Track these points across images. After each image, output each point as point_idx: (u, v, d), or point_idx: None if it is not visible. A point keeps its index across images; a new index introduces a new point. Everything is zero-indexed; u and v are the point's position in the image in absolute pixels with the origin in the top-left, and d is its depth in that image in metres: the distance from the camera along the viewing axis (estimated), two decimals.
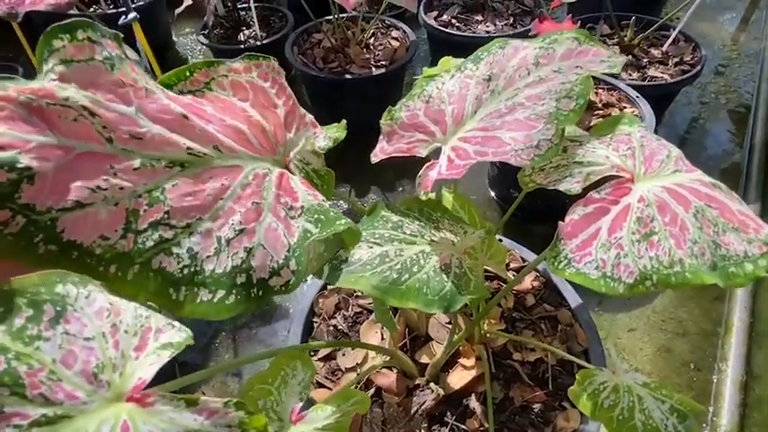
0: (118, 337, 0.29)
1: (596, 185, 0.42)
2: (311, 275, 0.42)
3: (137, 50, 1.10)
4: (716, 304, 1.07)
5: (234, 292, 0.33)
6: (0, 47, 2.11)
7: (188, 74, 0.42)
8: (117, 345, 0.29)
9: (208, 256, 0.33)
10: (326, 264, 0.45)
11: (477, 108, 0.50)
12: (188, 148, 0.35)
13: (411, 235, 0.50)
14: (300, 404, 0.40)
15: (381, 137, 0.55)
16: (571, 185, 0.43)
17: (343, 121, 0.56)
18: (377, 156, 0.53)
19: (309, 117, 0.50)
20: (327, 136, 0.49)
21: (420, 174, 0.49)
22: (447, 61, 0.59)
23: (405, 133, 0.52)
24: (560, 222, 0.39)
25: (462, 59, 0.56)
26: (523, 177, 0.48)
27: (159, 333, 0.30)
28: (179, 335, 0.31)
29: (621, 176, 0.42)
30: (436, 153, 0.52)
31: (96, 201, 0.30)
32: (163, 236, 0.32)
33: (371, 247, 0.49)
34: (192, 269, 0.33)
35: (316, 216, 0.37)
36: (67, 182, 0.30)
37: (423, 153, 0.51)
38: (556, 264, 0.38)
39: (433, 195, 0.61)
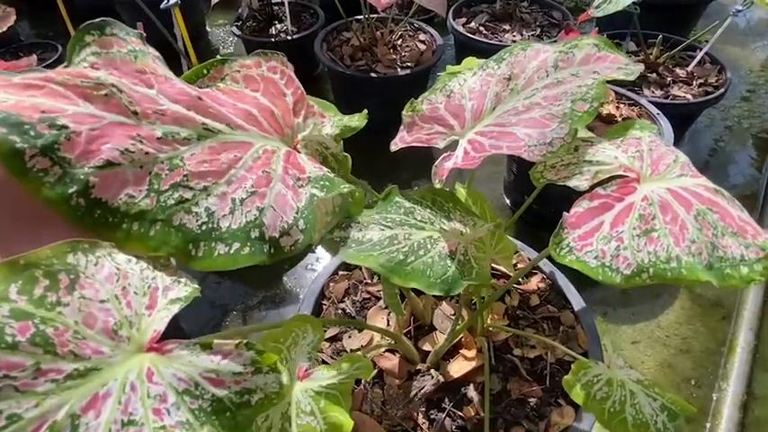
0: (129, 299, 0.31)
1: (604, 184, 0.45)
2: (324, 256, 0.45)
3: (173, 35, 1.15)
4: (722, 324, 1.07)
5: (248, 244, 0.36)
6: (42, 27, 2.20)
7: (205, 71, 0.47)
8: (130, 305, 0.31)
9: (223, 215, 0.36)
10: (338, 242, 0.48)
11: (496, 105, 0.52)
12: (203, 124, 0.39)
13: (421, 221, 0.53)
14: (308, 364, 0.42)
15: (402, 127, 0.57)
16: (580, 182, 0.45)
17: (365, 111, 0.59)
18: (396, 144, 0.56)
19: (317, 108, 0.53)
20: (335, 123, 0.52)
21: (436, 163, 0.51)
22: (470, 61, 0.62)
23: (425, 125, 0.55)
24: (565, 213, 0.41)
25: (485, 59, 0.58)
26: (535, 173, 0.50)
27: (167, 290, 0.33)
28: (186, 289, 0.33)
29: (628, 176, 0.44)
30: (453, 146, 0.55)
31: (124, 162, 0.34)
32: (183, 196, 0.35)
33: (383, 230, 0.51)
34: (210, 225, 0.36)
35: (321, 183, 0.40)
36: (99, 143, 0.33)
37: (441, 144, 0.54)
38: (558, 251, 0.40)
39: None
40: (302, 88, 0.49)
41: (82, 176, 0.32)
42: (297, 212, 0.38)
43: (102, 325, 0.30)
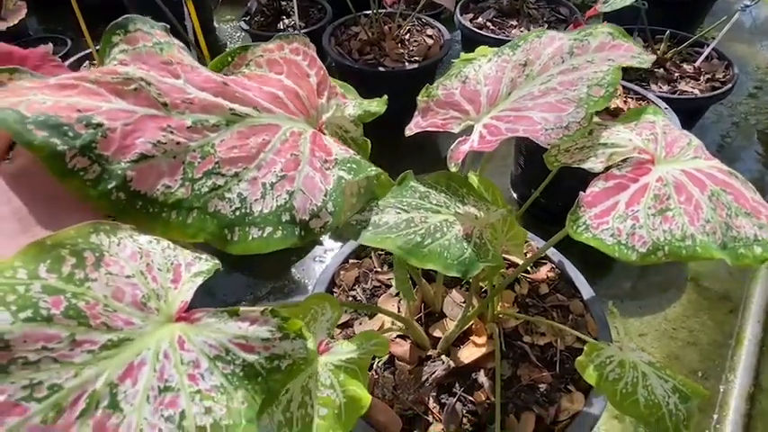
0: (154, 274, 0.32)
1: (618, 166, 0.45)
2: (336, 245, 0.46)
3: (184, 27, 1.16)
4: (729, 317, 1.08)
5: (280, 228, 0.37)
6: (51, 21, 2.22)
7: (229, 59, 0.48)
8: (155, 279, 0.32)
9: (255, 200, 0.37)
10: (355, 225, 0.49)
11: (512, 90, 0.53)
12: (230, 109, 0.40)
13: (437, 205, 0.53)
14: (327, 339, 0.43)
15: (417, 112, 0.58)
16: (594, 164, 0.46)
17: (384, 97, 0.60)
18: (411, 129, 0.57)
19: (340, 89, 0.54)
20: (357, 105, 0.53)
21: (452, 147, 0.52)
22: (484, 49, 0.62)
23: (440, 110, 0.56)
24: (581, 192, 0.42)
25: (500, 47, 0.59)
26: (549, 157, 0.51)
27: (190, 266, 0.34)
28: (207, 264, 0.35)
29: (643, 158, 0.45)
30: (468, 131, 0.56)
31: (157, 154, 0.35)
32: (216, 183, 0.36)
33: (399, 213, 0.52)
34: (243, 210, 0.36)
35: (348, 165, 0.41)
36: (133, 138, 0.34)
37: (456, 129, 0.54)
38: (575, 228, 0.41)
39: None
40: (325, 69, 0.50)
41: (119, 171, 0.33)
42: (326, 195, 0.39)
43: (130, 298, 0.31)
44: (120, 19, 0.40)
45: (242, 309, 0.32)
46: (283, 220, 0.37)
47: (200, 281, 0.34)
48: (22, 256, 0.29)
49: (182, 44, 0.44)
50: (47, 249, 0.29)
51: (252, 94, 0.42)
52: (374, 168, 0.40)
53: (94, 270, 0.30)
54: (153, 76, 0.37)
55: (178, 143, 0.36)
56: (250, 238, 0.36)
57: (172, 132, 0.36)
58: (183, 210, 0.35)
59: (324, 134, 0.45)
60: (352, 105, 0.50)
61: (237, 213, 0.36)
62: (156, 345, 0.30)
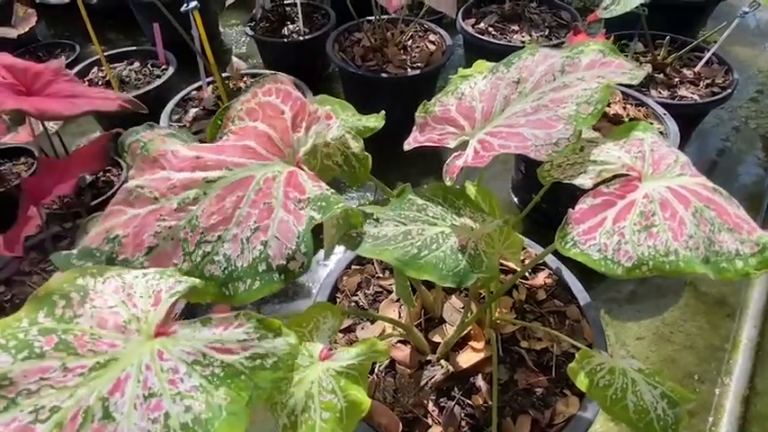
0: (135, 301, 0.37)
1: (607, 182, 0.47)
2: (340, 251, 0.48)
3: (191, 36, 1.18)
4: (726, 321, 1.09)
5: (258, 278, 0.41)
6: (59, 27, 2.25)
7: (218, 122, 0.53)
8: (136, 305, 0.37)
9: (237, 256, 0.42)
10: (355, 237, 0.52)
11: (505, 107, 0.55)
12: (204, 179, 0.44)
13: (433, 217, 0.56)
14: (329, 346, 0.45)
15: (415, 128, 0.60)
16: (585, 180, 0.48)
17: (382, 112, 0.62)
18: (409, 144, 0.59)
19: (323, 111, 0.56)
20: (340, 126, 0.56)
21: (447, 162, 0.54)
22: (481, 64, 0.64)
23: (437, 125, 0.58)
24: (570, 209, 0.44)
25: (495, 63, 0.61)
26: (542, 173, 0.53)
27: (171, 289, 0.39)
28: (184, 285, 0.39)
29: (630, 175, 0.47)
30: (463, 146, 0.58)
31: (159, 242, 0.41)
32: (205, 250, 0.41)
33: (397, 225, 0.54)
34: (230, 269, 0.41)
35: (319, 203, 0.44)
36: (141, 236, 0.41)
37: (452, 144, 0.57)
38: (563, 244, 0.43)
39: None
40: (302, 98, 0.53)
41: (138, 265, 0.40)
42: (298, 237, 0.42)
43: (113, 324, 0.35)
44: (121, 140, 0.51)
45: (214, 316, 0.36)
46: (260, 270, 0.41)
47: (173, 300, 0.37)
48: (27, 308, 0.34)
49: (164, 129, 0.51)
50: (43, 298, 0.35)
51: (224, 156, 0.46)
52: (340, 206, 0.44)
53: (80, 306, 0.35)
54: (146, 178, 0.44)
55: (170, 227, 0.41)
56: (240, 291, 0.41)
57: (164, 219, 0.42)
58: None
59: (302, 169, 0.48)
60: (336, 126, 0.53)
61: (226, 272, 0.41)
62: (138, 359, 0.34)
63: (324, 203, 0.43)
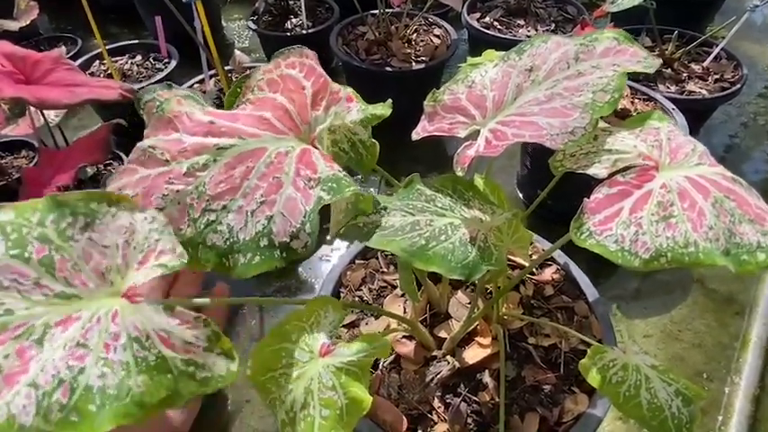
0: (127, 251, 0.37)
1: (622, 172, 0.46)
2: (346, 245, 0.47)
3: (193, 28, 1.17)
4: (735, 319, 1.08)
5: (258, 253, 0.40)
6: (61, 20, 2.24)
7: (238, 90, 0.51)
8: (125, 257, 0.36)
9: (240, 228, 0.41)
10: (362, 227, 0.50)
11: (518, 95, 0.53)
12: (215, 145, 0.43)
13: (442, 208, 0.54)
14: (330, 341, 0.44)
15: (423, 117, 0.59)
16: (599, 170, 0.46)
17: (389, 100, 0.61)
18: (418, 133, 0.57)
19: (345, 92, 0.54)
20: (361, 110, 0.54)
21: (458, 151, 0.53)
22: (491, 53, 0.63)
23: (446, 114, 0.56)
24: (585, 199, 0.43)
25: (506, 51, 0.59)
26: (554, 162, 0.51)
27: (161, 255, 0.38)
28: (174, 261, 0.38)
29: (647, 164, 0.45)
30: (473, 136, 0.56)
31: (166, 204, 0.40)
32: (209, 219, 0.41)
33: (405, 216, 0.53)
34: (232, 240, 0.40)
35: (330, 184, 0.43)
36: (150, 196, 0.41)
37: (462, 134, 0.55)
38: (578, 234, 0.41)
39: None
40: (325, 76, 0.51)
41: None
42: (304, 216, 0.41)
43: (95, 264, 0.35)
44: (138, 98, 0.49)
45: (179, 308, 0.35)
46: (261, 246, 0.40)
47: (156, 273, 0.37)
48: (45, 203, 0.34)
49: (183, 92, 0.48)
50: (57, 205, 0.35)
51: (239, 124, 0.45)
52: (351, 189, 0.42)
53: (81, 233, 0.35)
54: (159, 138, 0.43)
55: (178, 191, 0.41)
56: (239, 264, 0.40)
57: (172, 183, 0.41)
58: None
59: (315, 148, 0.46)
60: (356, 110, 0.51)
61: (228, 243, 0.40)
62: (95, 309, 0.34)
63: (335, 185, 0.42)
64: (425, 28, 1.62)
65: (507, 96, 0.54)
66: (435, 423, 0.65)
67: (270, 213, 0.40)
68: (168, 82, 0.52)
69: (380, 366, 0.71)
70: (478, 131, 0.54)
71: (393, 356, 0.71)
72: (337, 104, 0.52)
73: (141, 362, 0.32)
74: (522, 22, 1.68)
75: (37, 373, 0.30)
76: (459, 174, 0.52)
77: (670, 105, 1.19)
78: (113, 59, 1.57)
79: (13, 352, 0.31)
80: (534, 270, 0.84)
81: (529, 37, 1.60)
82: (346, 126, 0.51)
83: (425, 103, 0.58)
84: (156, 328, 0.34)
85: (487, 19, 1.68)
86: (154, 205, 0.40)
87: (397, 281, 0.83)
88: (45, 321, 0.32)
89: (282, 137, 0.46)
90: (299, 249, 0.40)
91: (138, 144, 0.44)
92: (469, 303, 0.77)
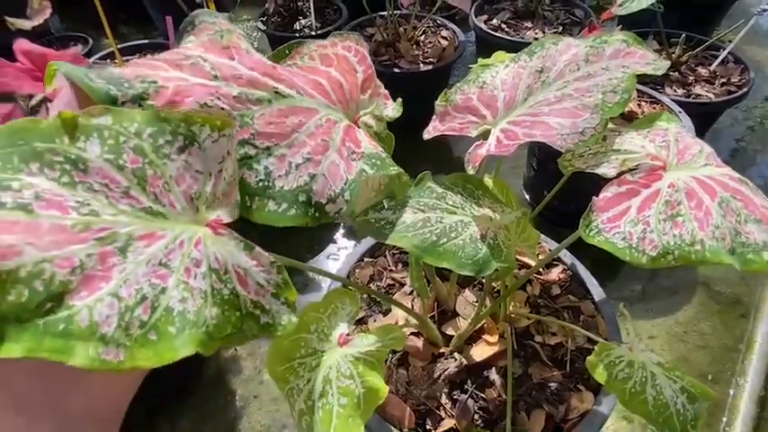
0: (218, 181, 0.35)
1: (630, 171, 0.47)
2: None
3: None
4: (740, 321, 1.08)
5: (295, 206, 0.39)
6: (72, 20, 2.27)
7: (287, 52, 0.50)
8: (215, 186, 0.34)
9: (279, 176, 0.39)
10: (373, 223, 0.51)
11: (528, 96, 0.55)
12: (274, 88, 0.42)
13: (453, 206, 0.55)
14: (347, 331, 0.45)
15: (434, 116, 0.60)
16: (608, 170, 0.47)
17: (399, 99, 0.62)
18: (429, 133, 0.59)
19: (384, 90, 0.56)
20: (396, 109, 0.55)
21: (469, 150, 0.54)
22: (501, 54, 0.64)
23: (458, 114, 0.57)
24: (594, 197, 0.44)
25: (517, 53, 0.60)
26: (563, 162, 0.52)
27: (232, 176, 0.36)
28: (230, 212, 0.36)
29: (655, 164, 0.46)
30: (484, 135, 0.57)
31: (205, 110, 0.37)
32: (248, 152, 0.39)
33: (416, 213, 0.54)
34: (266, 183, 0.39)
35: (372, 161, 0.43)
36: (183, 96, 0.37)
37: (473, 133, 0.56)
38: (587, 231, 0.42)
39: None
40: (373, 68, 0.52)
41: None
42: (345, 183, 0.41)
43: (186, 188, 0.33)
44: (189, 17, 0.45)
45: (258, 249, 0.34)
46: (299, 200, 0.39)
47: (234, 217, 0.36)
48: (144, 115, 0.32)
49: (242, 32, 0.46)
50: (158, 119, 0.33)
51: (297, 80, 0.44)
52: (395, 168, 0.42)
53: (177, 154, 0.33)
54: (210, 56, 0.40)
55: (222, 108, 0.38)
56: (267, 209, 0.38)
57: (219, 98, 0.38)
58: None
59: (358, 127, 0.47)
60: (392, 108, 0.52)
61: (260, 185, 0.39)
62: (179, 231, 0.32)
63: (378, 161, 0.43)
64: (433, 30, 1.63)
65: (518, 97, 0.55)
66: (443, 419, 0.66)
67: (314, 172, 0.40)
68: (230, 14, 0.49)
69: (388, 363, 0.72)
70: (489, 131, 0.55)
71: (401, 353, 0.72)
72: (378, 97, 0.53)
73: (216, 294, 0.32)
74: (529, 24, 1.69)
75: (120, 284, 0.29)
76: (471, 172, 0.53)
77: (677, 108, 1.20)
78: (124, 59, 1.59)
79: (96, 254, 0.29)
80: (541, 269, 0.84)
81: (536, 39, 1.61)
82: (366, 120, 0.53)
83: (437, 102, 0.59)
84: (235, 264, 0.33)
85: (495, 21, 1.70)
86: (186, 106, 0.37)
87: (405, 279, 0.84)
88: (129, 232, 0.31)
89: (332, 106, 0.46)
90: (331, 213, 0.40)
91: (177, 49, 0.41)
92: (476, 302, 0.78)
